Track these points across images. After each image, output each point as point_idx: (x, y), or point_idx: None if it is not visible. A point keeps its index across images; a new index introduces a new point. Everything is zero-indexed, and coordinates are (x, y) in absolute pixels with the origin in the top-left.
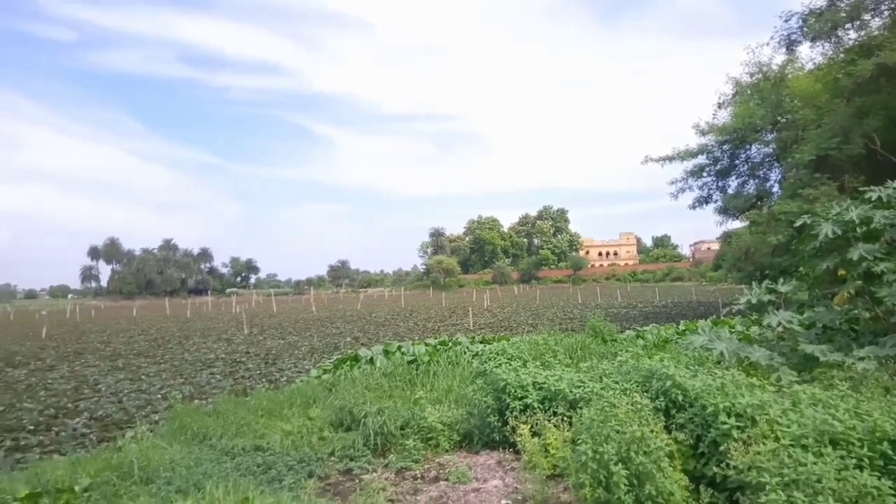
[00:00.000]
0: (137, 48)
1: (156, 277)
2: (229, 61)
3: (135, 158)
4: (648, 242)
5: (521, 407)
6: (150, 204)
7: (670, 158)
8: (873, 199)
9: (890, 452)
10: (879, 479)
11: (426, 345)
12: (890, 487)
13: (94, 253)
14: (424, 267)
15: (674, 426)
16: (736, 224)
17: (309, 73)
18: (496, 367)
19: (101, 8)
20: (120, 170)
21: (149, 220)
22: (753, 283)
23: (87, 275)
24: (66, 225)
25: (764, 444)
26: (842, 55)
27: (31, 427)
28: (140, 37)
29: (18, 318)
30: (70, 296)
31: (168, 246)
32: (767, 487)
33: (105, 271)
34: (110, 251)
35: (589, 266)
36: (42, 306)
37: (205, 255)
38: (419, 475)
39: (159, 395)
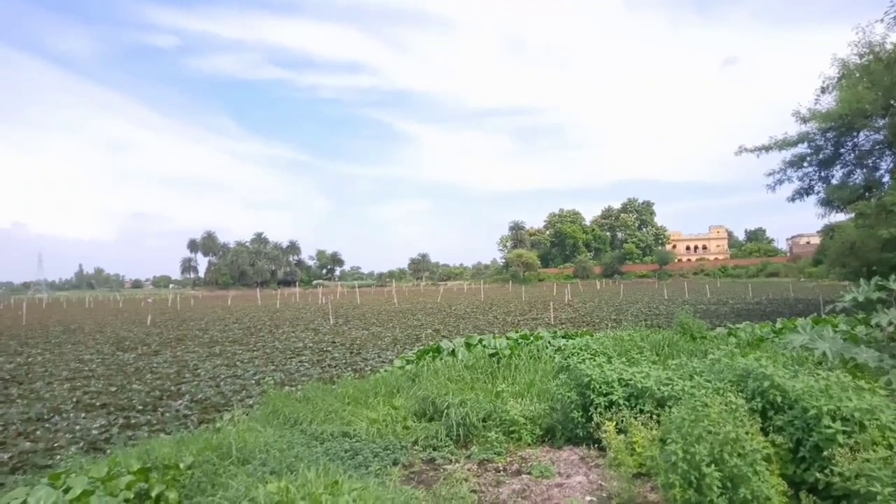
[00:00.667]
0: (232, 52)
1: (248, 269)
2: (316, 62)
3: (231, 157)
4: (741, 236)
5: (606, 403)
6: (244, 200)
7: (767, 148)
8: None
9: None
10: None
11: (507, 338)
12: None
13: (193, 246)
14: (504, 261)
15: (771, 428)
16: (840, 217)
17: (393, 71)
18: (580, 362)
19: (197, 14)
20: (217, 168)
21: (243, 215)
22: (861, 279)
23: (187, 266)
24: (169, 220)
25: (875, 451)
26: None
27: (140, 407)
28: (233, 41)
29: (126, 305)
30: (171, 286)
31: (259, 239)
32: (878, 497)
33: (202, 263)
34: (207, 244)
35: (676, 261)
36: (146, 295)
37: (293, 248)
38: (501, 468)
39: (253, 381)
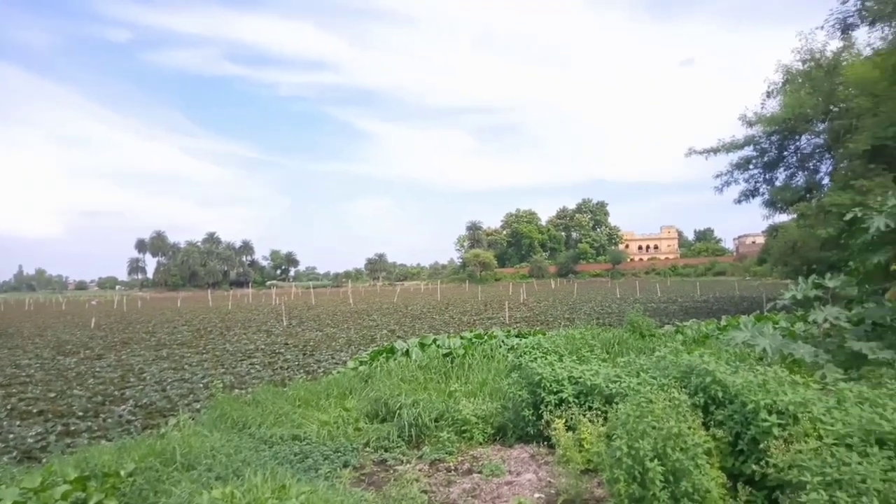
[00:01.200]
0: (188, 47)
1: (199, 270)
2: (276, 58)
3: (186, 155)
4: (690, 236)
5: (557, 401)
6: (199, 198)
7: (715, 150)
8: None
9: None
10: None
11: (461, 338)
12: None
13: (141, 246)
14: (461, 260)
15: (712, 423)
16: (783, 217)
17: (355, 69)
18: (531, 361)
19: (152, 8)
20: (172, 166)
21: (196, 214)
22: (800, 277)
23: (134, 267)
24: (120, 219)
25: (806, 442)
26: None
27: (81, 413)
28: (190, 36)
29: (69, 308)
30: (117, 287)
31: (211, 239)
32: (808, 487)
33: (151, 264)
34: (156, 244)
35: (628, 260)
36: (91, 297)
37: (246, 247)
38: (453, 467)
39: (201, 385)
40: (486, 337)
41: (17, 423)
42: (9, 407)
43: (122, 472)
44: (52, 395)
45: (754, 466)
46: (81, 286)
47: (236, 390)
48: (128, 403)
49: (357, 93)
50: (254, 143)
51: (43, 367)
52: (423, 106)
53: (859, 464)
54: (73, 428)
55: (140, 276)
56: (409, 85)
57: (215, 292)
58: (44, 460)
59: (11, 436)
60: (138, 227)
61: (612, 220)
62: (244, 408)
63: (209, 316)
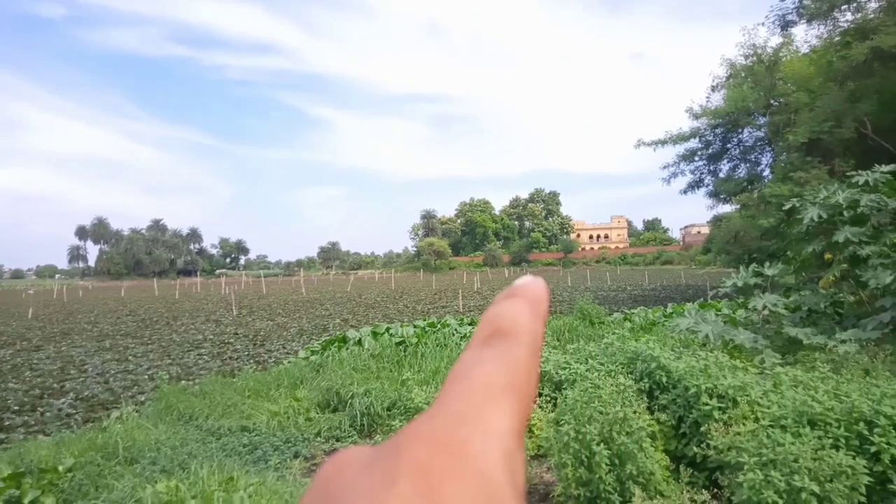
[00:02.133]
0: (130, 27)
1: (144, 258)
2: (224, 40)
3: (129, 139)
4: (640, 226)
5: None
6: (144, 184)
7: (663, 142)
8: (861, 183)
9: (866, 433)
10: (854, 458)
11: (415, 326)
12: (864, 466)
13: (82, 233)
14: (415, 249)
15: (657, 407)
16: (726, 208)
17: (307, 54)
18: None
19: None
20: (113, 150)
21: (140, 201)
22: (741, 266)
23: (75, 255)
24: (56, 205)
25: (744, 424)
26: (837, 38)
27: (16, 407)
28: (132, 15)
29: (4, 298)
30: (57, 276)
31: (157, 226)
32: (746, 467)
33: (93, 252)
34: (98, 231)
35: (580, 249)
36: (28, 286)
37: (194, 235)
38: None
39: (146, 376)
40: (439, 325)
41: None
42: None
43: (61, 468)
44: None
45: (696, 449)
46: (18, 275)
47: (183, 382)
48: (68, 396)
49: (309, 79)
50: (201, 128)
51: None
52: (375, 94)
53: (792, 444)
54: (7, 423)
55: (81, 265)
56: (361, 72)
57: (161, 281)
58: None
59: None
60: (79, 214)
61: (564, 210)
62: (191, 399)
63: (155, 305)
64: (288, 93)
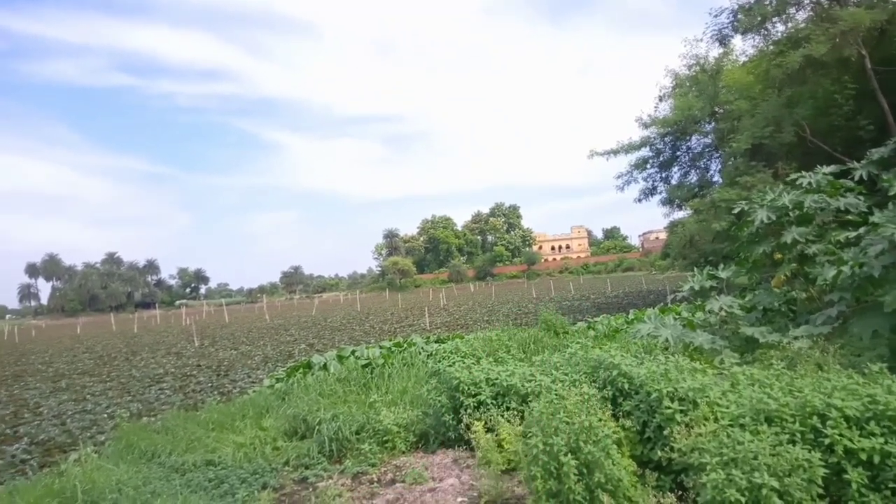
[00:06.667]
0: (72, 57)
1: (100, 293)
2: (170, 68)
3: (74, 171)
4: (599, 234)
5: (475, 404)
6: (93, 218)
7: (615, 152)
8: (804, 184)
9: (819, 426)
10: (810, 451)
11: (381, 347)
12: (820, 459)
13: (33, 270)
14: (380, 269)
15: (621, 414)
16: (681, 214)
17: (255, 78)
18: (449, 365)
19: (29, 16)
20: (60, 184)
21: (92, 234)
22: (695, 269)
23: (26, 293)
24: (2, 244)
25: (705, 425)
26: (771, 47)
27: None
28: (72, 45)
29: None
30: (7, 316)
31: (112, 260)
32: (708, 467)
33: (45, 289)
34: (50, 268)
35: (542, 261)
36: None
37: (151, 267)
38: (375, 478)
39: (105, 415)
40: (405, 345)
41: None
42: None
43: None
44: None
45: (660, 452)
46: None
47: (144, 418)
48: (21, 442)
49: (259, 103)
50: (150, 157)
51: None
52: (328, 116)
53: (751, 442)
54: None
55: (33, 303)
56: (313, 95)
57: (119, 315)
58: None
59: None
60: (26, 251)
61: (525, 223)
62: (153, 436)
63: (113, 341)
64: (239, 118)
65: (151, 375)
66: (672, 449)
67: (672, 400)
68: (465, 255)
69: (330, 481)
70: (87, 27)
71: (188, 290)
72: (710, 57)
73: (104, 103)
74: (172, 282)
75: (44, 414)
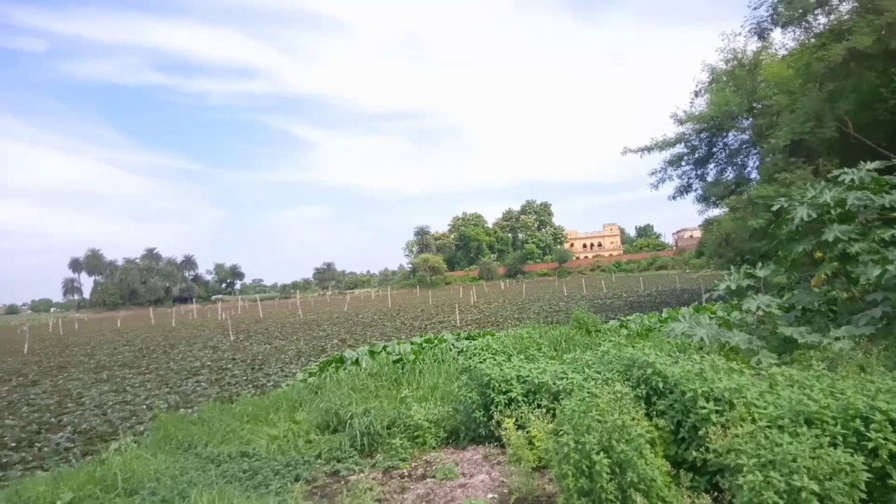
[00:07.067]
0: (110, 57)
1: (139, 287)
2: (204, 66)
3: (114, 168)
4: (632, 233)
5: (506, 401)
6: (131, 214)
7: (649, 149)
8: (847, 181)
9: (862, 429)
10: (852, 455)
11: (412, 343)
12: (862, 463)
13: (76, 265)
14: (410, 266)
15: (654, 413)
16: (716, 211)
17: (287, 76)
18: (480, 362)
19: (69, 17)
20: (99, 181)
21: (130, 230)
22: (732, 268)
23: (70, 287)
24: (47, 239)
25: (741, 426)
26: (813, 40)
27: (13, 444)
28: (110, 45)
29: None
30: (52, 309)
31: (151, 255)
32: (745, 469)
33: (87, 283)
34: (92, 263)
35: (574, 258)
36: (23, 321)
37: (188, 262)
38: (406, 473)
39: (144, 406)
40: (436, 341)
41: None
42: None
43: (59, 503)
44: None
45: (695, 453)
46: (12, 310)
47: (181, 410)
48: (65, 430)
49: (290, 101)
50: (186, 154)
51: None
52: (358, 112)
53: (790, 443)
54: (4, 460)
55: (76, 297)
56: (343, 91)
57: (158, 310)
58: None
59: None
60: (69, 246)
61: (557, 220)
62: (190, 427)
63: (152, 334)
64: (270, 115)
65: (188, 368)
66: (707, 449)
67: (707, 400)
68: (496, 253)
69: (361, 475)
70: (123, 26)
71: (224, 285)
72: (748, 51)
73: (141, 101)
74: (209, 277)
75: (86, 404)
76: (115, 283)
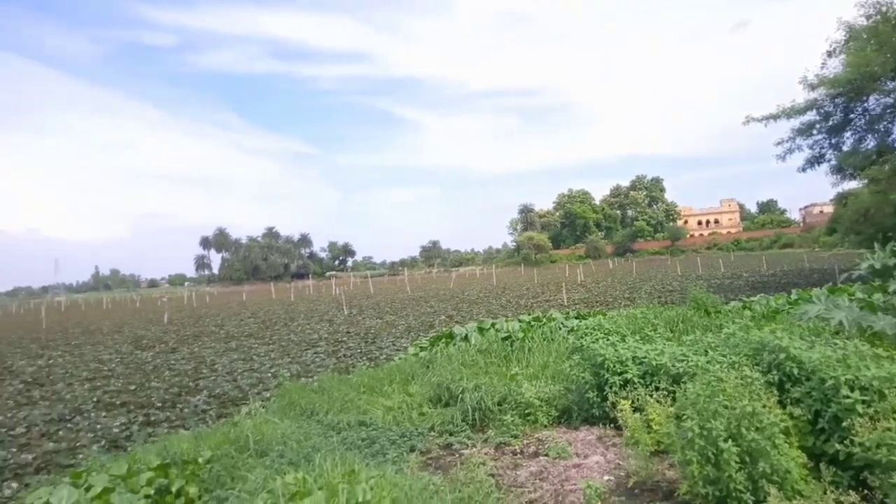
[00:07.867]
0: (230, 47)
1: (261, 264)
2: (315, 53)
3: (237, 151)
4: (753, 209)
5: (621, 382)
6: (252, 194)
7: (775, 117)
8: None
9: None
10: None
11: (520, 321)
12: None
13: (206, 243)
14: (515, 244)
15: (789, 401)
16: (853, 184)
17: (392, 58)
18: (593, 342)
19: (195, 11)
20: (224, 163)
21: (252, 209)
22: (876, 245)
23: (201, 263)
24: (179, 218)
25: (894, 419)
26: None
27: (159, 404)
28: (231, 36)
29: (143, 305)
30: (186, 283)
31: (271, 234)
32: None
33: (216, 260)
34: (220, 241)
35: (688, 236)
36: (162, 294)
37: (304, 240)
38: (518, 450)
39: (269, 374)
40: (544, 319)
41: (103, 414)
42: (95, 399)
43: (200, 460)
44: (133, 387)
45: (838, 446)
46: (153, 284)
47: (302, 379)
48: (202, 394)
49: (397, 83)
50: (300, 137)
51: (122, 361)
52: (464, 91)
53: None
54: (153, 418)
55: (207, 272)
56: (448, 71)
57: (278, 285)
58: (128, 449)
59: (99, 426)
60: (196, 226)
61: (669, 196)
62: (311, 395)
63: (273, 308)
64: (377, 97)
65: (307, 340)
66: (852, 442)
67: (852, 389)
68: (604, 231)
69: (474, 449)
70: (242, 18)
71: (336, 262)
72: (894, 3)
73: (259, 88)
74: (323, 254)
75: (218, 370)
76: (240, 259)
